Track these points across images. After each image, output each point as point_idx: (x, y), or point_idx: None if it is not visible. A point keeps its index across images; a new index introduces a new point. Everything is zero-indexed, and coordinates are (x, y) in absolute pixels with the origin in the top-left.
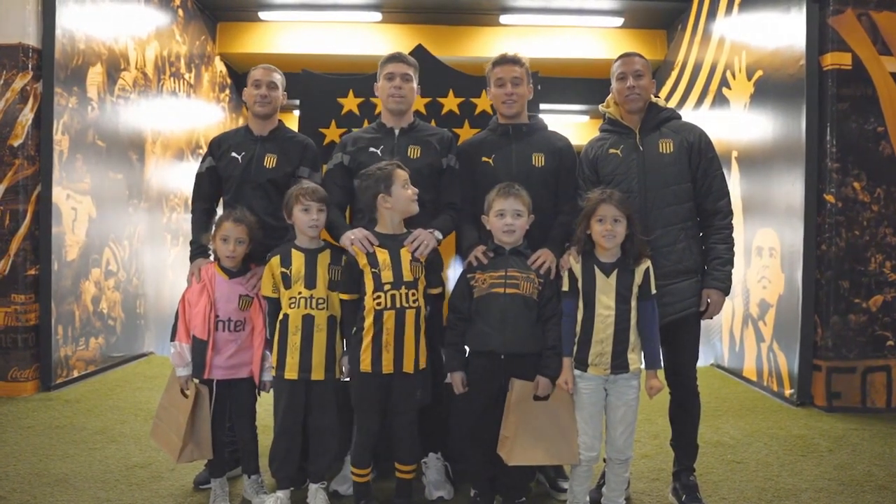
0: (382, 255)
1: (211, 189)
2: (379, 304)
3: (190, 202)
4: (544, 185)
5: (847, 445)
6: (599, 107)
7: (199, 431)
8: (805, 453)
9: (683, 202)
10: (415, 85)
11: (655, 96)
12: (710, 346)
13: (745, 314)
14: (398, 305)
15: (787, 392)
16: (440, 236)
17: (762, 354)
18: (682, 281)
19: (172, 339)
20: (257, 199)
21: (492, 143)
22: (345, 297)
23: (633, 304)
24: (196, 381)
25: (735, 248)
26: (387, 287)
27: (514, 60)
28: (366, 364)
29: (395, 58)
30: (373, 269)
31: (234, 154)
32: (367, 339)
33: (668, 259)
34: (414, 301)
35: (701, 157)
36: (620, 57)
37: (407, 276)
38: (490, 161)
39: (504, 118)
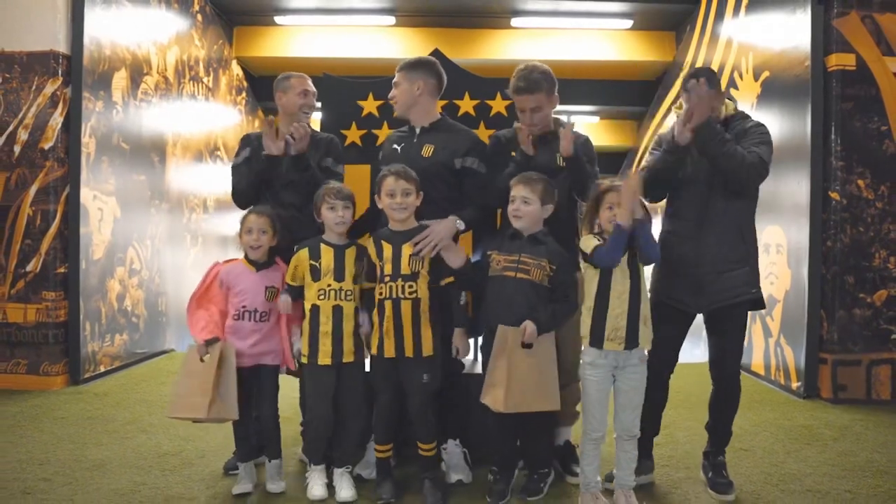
0: (387, 250)
1: (249, 178)
2: (381, 293)
3: (230, 194)
4: (566, 181)
5: (851, 435)
6: (673, 108)
7: (225, 389)
8: (810, 441)
9: (740, 198)
10: (405, 85)
11: (730, 98)
12: None
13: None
14: (394, 296)
15: (794, 385)
16: (461, 226)
17: (770, 349)
18: (734, 270)
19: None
20: (288, 194)
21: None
22: (366, 285)
23: (642, 281)
24: (220, 341)
25: (743, 161)
26: (386, 279)
27: (528, 90)
28: (374, 348)
29: (401, 65)
30: (379, 262)
31: (264, 152)
32: (375, 325)
33: (722, 249)
34: (411, 293)
35: (746, 137)
36: (689, 77)
37: (405, 269)
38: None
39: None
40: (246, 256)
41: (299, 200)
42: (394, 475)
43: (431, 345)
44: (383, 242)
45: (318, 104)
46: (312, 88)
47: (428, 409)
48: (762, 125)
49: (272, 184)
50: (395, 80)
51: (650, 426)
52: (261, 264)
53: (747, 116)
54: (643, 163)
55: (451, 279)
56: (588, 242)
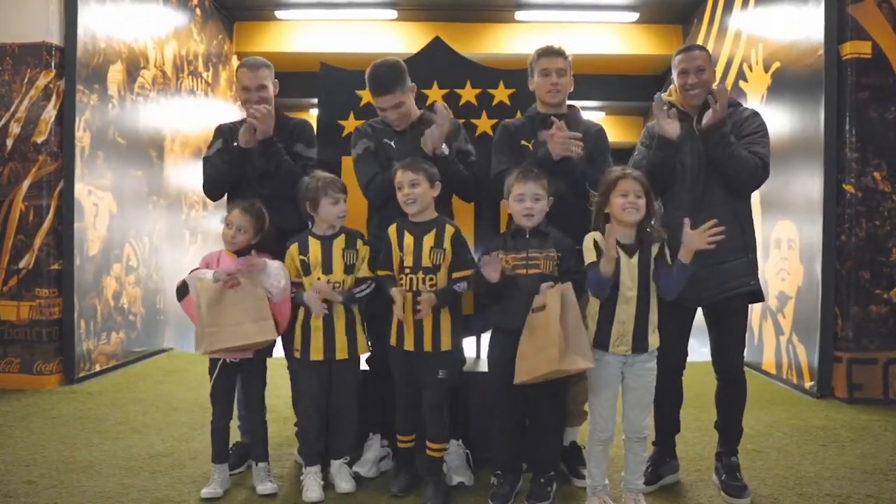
0: (409, 241)
1: (221, 171)
2: (400, 285)
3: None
4: (576, 169)
5: (869, 436)
6: (662, 95)
7: (262, 311)
8: (826, 443)
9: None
10: (410, 97)
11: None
12: None
13: (764, 307)
14: (414, 288)
15: (808, 384)
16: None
17: (781, 347)
18: (732, 261)
19: (180, 298)
20: (263, 186)
21: (531, 129)
22: (382, 272)
23: (651, 284)
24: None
25: (748, 165)
26: (406, 270)
27: (559, 52)
28: (392, 339)
29: (379, 89)
30: (400, 253)
31: (236, 144)
32: (393, 317)
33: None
34: (431, 286)
35: (742, 129)
36: (682, 51)
37: (426, 261)
38: (529, 146)
39: (545, 107)
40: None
41: (274, 191)
42: (414, 468)
43: (450, 340)
44: (406, 232)
45: (309, 99)
46: (259, 82)
47: (442, 406)
48: (758, 115)
49: (247, 176)
50: (396, 102)
51: (670, 425)
52: (241, 254)
53: (739, 104)
54: (632, 157)
55: (466, 272)
56: (588, 253)
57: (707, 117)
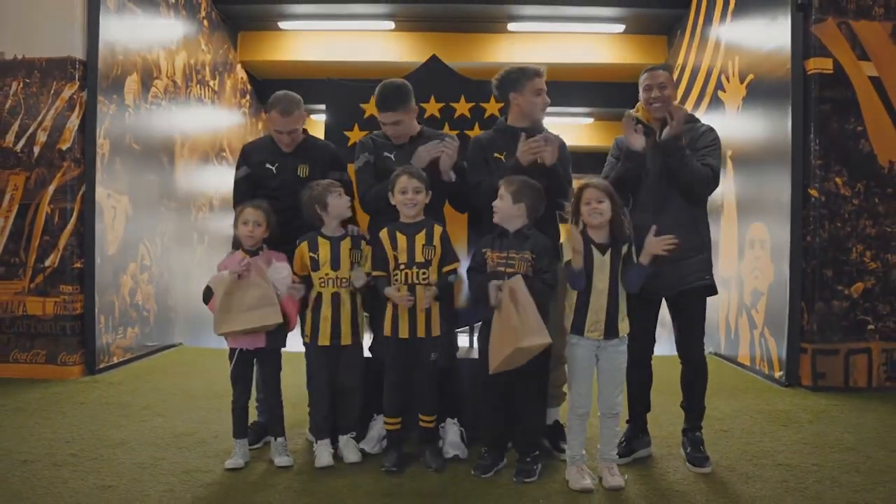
0: (402, 241)
1: (249, 193)
2: (396, 280)
3: (232, 203)
4: (546, 177)
5: (826, 418)
6: (630, 111)
7: (268, 297)
8: (787, 424)
9: None
10: (410, 116)
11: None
12: (709, 337)
13: (740, 303)
14: (410, 282)
15: (777, 374)
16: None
17: (755, 340)
18: (691, 258)
19: (206, 300)
20: (289, 197)
21: (502, 142)
22: (376, 273)
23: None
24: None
25: (700, 175)
26: (402, 266)
27: (543, 73)
28: (387, 330)
29: (382, 105)
30: (394, 252)
31: (267, 165)
32: (389, 309)
33: (678, 237)
34: (424, 279)
35: (697, 142)
36: (647, 71)
37: (419, 258)
38: (502, 157)
39: (523, 120)
40: (243, 248)
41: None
42: (402, 448)
43: (440, 326)
44: (397, 233)
45: (315, 105)
46: (293, 127)
47: (433, 384)
48: (713, 131)
49: (269, 194)
50: (395, 121)
51: (642, 405)
52: (254, 252)
53: (697, 120)
54: (604, 169)
55: (454, 265)
56: (567, 252)
57: (666, 131)
